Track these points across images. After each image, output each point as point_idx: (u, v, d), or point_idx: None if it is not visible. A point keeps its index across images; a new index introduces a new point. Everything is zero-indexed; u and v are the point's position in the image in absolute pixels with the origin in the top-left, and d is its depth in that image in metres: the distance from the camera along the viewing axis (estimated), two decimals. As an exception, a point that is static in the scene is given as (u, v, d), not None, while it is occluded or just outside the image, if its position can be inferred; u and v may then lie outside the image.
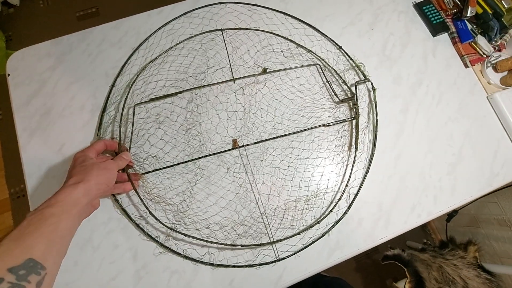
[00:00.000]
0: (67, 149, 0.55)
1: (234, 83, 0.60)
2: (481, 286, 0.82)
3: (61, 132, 0.56)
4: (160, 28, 0.62)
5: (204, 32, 0.62)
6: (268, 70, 0.59)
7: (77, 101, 0.58)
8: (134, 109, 0.55)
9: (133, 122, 0.55)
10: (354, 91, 0.58)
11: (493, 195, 0.93)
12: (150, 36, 0.61)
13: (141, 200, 0.51)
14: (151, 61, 0.59)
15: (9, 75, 0.58)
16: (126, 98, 0.57)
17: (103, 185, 0.42)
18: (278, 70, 0.60)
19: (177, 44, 0.60)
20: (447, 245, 0.96)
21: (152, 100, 0.56)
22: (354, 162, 0.56)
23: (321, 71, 0.61)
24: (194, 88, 0.58)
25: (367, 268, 1.24)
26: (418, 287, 0.81)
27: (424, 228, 1.35)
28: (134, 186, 0.50)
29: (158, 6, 0.64)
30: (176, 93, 0.57)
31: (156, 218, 0.50)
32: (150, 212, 0.51)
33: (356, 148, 0.56)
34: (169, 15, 0.63)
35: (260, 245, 0.51)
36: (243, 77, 0.59)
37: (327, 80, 0.59)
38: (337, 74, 0.61)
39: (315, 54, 0.62)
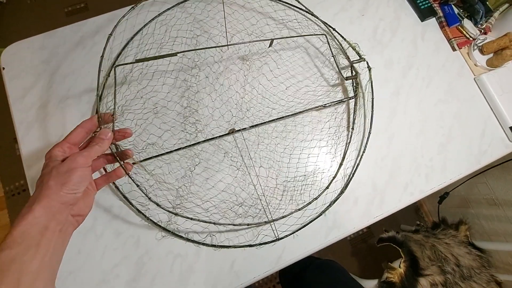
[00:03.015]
0: (66, 141, 0.55)
1: (228, 49, 0.60)
2: (472, 262, 0.86)
3: (58, 124, 0.56)
4: (153, 19, 0.62)
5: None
6: (273, 38, 0.55)
7: (73, 93, 0.58)
8: (115, 70, 0.48)
9: (115, 85, 0.46)
10: (350, 71, 0.59)
11: (482, 175, 0.96)
12: (143, 27, 0.61)
13: (138, 186, 0.51)
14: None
15: (4, 68, 0.58)
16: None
17: (69, 196, 0.32)
18: (284, 37, 0.57)
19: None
20: (439, 226, 1.00)
21: (137, 61, 0.48)
22: (349, 142, 0.58)
23: (327, 43, 0.60)
24: (185, 51, 0.52)
25: (363, 252, 1.27)
26: (412, 266, 0.85)
27: (417, 212, 1.39)
28: (126, 170, 0.44)
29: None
30: (165, 55, 0.50)
31: (157, 204, 0.51)
32: (149, 198, 0.52)
33: (352, 128, 0.58)
34: (163, 5, 0.63)
35: (259, 224, 0.53)
36: (240, 43, 0.59)
37: (333, 54, 0.58)
38: (342, 49, 0.62)
39: (325, 23, 0.63)
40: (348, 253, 1.28)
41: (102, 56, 0.51)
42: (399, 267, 0.87)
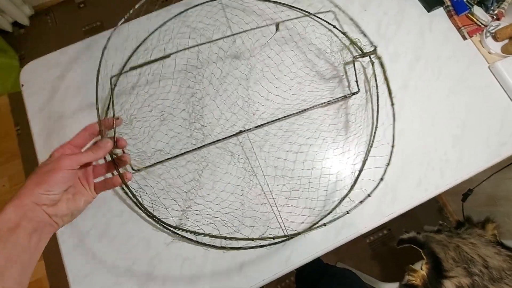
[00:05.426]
0: (80, 150, 0.58)
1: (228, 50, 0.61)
2: (502, 264, 0.80)
3: (72, 135, 0.59)
4: (156, 29, 0.64)
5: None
6: (278, 23, 0.54)
7: (86, 105, 0.61)
8: (110, 81, 0.51)
9: (112, 98, 0.46)
10: (353, 66, 0.59)
11: (508, 170, 0.90)
12: (147, 37, 0.63)
13: (133, 195, 0.51)
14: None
15: (23, 85, 0.62)
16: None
17: (42, 196, 0.32)
18: (290, 19, 0.57)
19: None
20: (463, 225, 0.94)
21: (132, 68, 0.50)
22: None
23: (336, 19, 0.61)
24: (186, 48, 0.53)
25: (383, 255, 1.22)
26: (435, 268, 0.80)
27: (441, 212, 1.32)
28: (123, 179, 0.41)
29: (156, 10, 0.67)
30: (159, 58, 0.50)
31: (160, 220, 0.52)
32: (148, 212, 0.53)
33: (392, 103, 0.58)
34: (166, 16, 0.66)
35: (280, 237, 0.52)
36: (247, 30, 0.57)
37: (343, 32, 0.58)
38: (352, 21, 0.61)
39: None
40: (368, 257, 1.24)
41: (98, 71, 0.53)
42: (421, 269, 0.82)
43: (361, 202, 0.54)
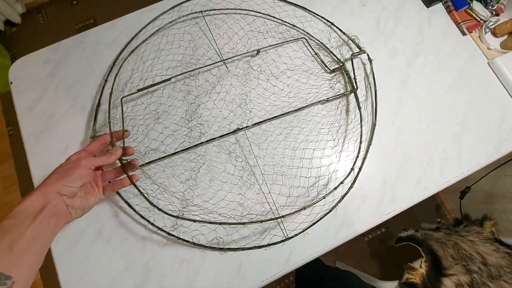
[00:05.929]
0: (72, 149, 0.56)
1: (227, 68, 0.60)
2: (500, 261, 0.80)
3: (65, 133, 0.57)
4: (149, 23, 0.62)
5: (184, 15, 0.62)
6: (259, 50, 0.58)
7: (78, 102, 0.59)
8: (121, 101, 0.53)
9: (122, 115, 0.50)
10: (351, 64, 0.58)
11: (507, 167, 0.90)
12: (139, 32, 0.62)
13: (141, 193, 0.51)
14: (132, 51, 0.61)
15: (12, 83, 0.60)
16: (111, 90, 0.57)
17: (64, 188, 0.38)
18: (267, 47, 0.58)
19: (157, 32, 0.62)
20: (461, 222, 0.94)
21: (139, 90, 0.53)
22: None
23: (307, 45, 0.60)
24: (179, 74, 0.55)
25: (382, 253, 1.22)
26: (434, 266, 0.80)
27: (438, 210, 1.32)
28: (132, 180, 0.47)
29: (150, 4, 0.65)
30: (163, 81, 0.54)
31: (160, 209, 0.51)
32: (151, 203, 0.51)
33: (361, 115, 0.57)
34: (160, 11, 0.64)
35: (269, 220, 0.51)
36: (233, 56, 0.59)
37: (315, 52, 0.58)
38: (324, 45, 0.61)
39: (300, 29, 0.62)
40: (367, 255, 1.23)
41: (111, 93, 0.57)
42: (420, 267, 0.82)
43: (335, 188, 0.53)
